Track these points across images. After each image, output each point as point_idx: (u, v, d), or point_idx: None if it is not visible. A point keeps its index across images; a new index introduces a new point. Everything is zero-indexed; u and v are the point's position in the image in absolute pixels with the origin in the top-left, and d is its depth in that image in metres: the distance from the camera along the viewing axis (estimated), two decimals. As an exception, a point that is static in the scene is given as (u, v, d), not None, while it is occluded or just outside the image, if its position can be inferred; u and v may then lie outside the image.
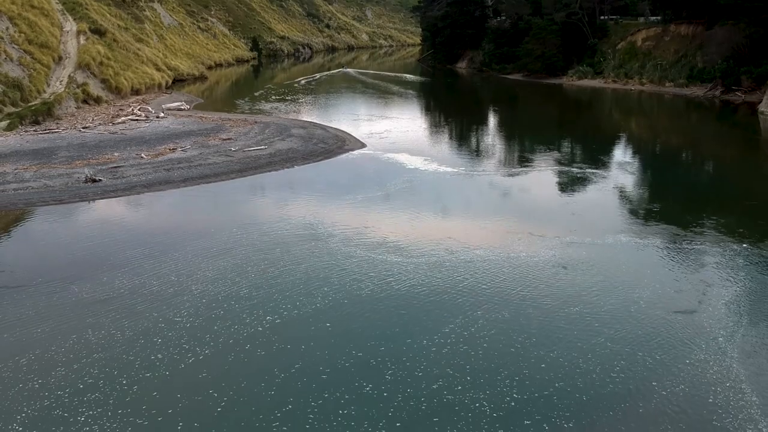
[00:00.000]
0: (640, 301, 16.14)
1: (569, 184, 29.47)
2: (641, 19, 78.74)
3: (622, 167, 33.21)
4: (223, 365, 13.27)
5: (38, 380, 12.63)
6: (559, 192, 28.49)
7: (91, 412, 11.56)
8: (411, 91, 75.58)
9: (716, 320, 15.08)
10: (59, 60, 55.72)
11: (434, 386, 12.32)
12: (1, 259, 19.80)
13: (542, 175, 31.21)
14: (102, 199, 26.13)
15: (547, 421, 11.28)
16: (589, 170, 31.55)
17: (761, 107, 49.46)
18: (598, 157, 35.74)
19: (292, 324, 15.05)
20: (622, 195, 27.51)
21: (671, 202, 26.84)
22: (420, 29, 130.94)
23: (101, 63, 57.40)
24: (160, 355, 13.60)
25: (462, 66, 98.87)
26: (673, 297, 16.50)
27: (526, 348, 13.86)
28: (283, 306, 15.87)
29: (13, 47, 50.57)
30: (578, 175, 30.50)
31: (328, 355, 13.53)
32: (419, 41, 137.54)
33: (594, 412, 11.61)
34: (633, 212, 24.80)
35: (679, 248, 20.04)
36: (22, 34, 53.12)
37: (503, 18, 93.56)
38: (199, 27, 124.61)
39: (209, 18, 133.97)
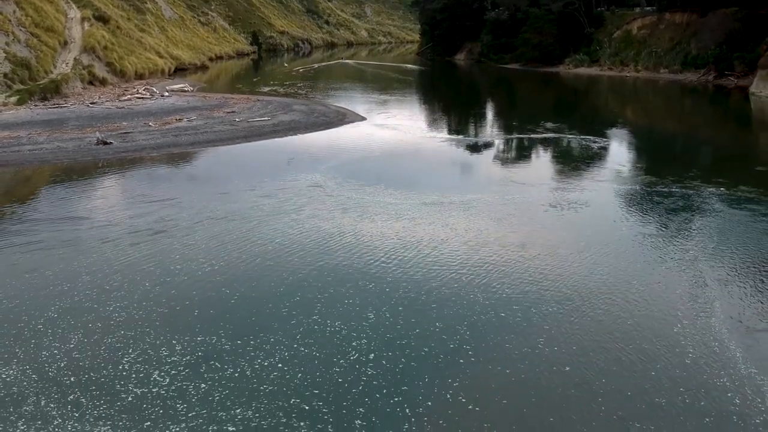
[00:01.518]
0: (622, 225, 17.29)
1: (556, 146, 30.67)
2: (637, 9, 79.78)
3: (613, 134, 34.39)
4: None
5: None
6: (543, 153, 29.76)
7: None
8: (409, 78, 76.82)
9: (688, 239, 16.21)
10: (65, 44, 56.73)
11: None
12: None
13: (523, 140, 32.58)
14: (114, 157, 27.23)
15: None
16: (581, 137, 32.63)
17: (752, 89, 50.57)
18: (590, 127, 36.82)
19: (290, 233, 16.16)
20: (608, 152, 28.68)
21: (652, 159, 28.19)
22: (419, 25, 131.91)
23: (105, 47, 58.45)
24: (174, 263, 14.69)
25: (460, 58, 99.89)
26: (643, 225, 17.62)
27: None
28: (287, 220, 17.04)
29: (21, 29, 51.60)
30: (569, 140, 31.60)
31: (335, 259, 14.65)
32: (418, 38, 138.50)
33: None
34: (619, 166, 25.99)
35: (654, 190, 21.23)
36: (29, 18, 54.14)
37: (501, 9, 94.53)
38: (199, 21, 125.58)
39: (209, 12, 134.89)
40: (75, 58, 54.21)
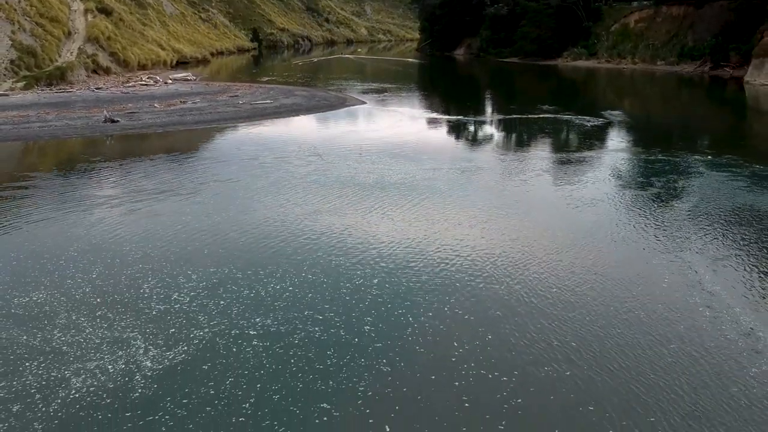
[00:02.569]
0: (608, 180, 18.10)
1: (550, 123, 31.47)
2: (634, 3, 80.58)
3: (608, 115, 35.14)
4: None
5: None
6: (536, 127, 30.56)
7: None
8: (408, 70, 77.60)
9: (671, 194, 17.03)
10: (68, 35, 57.47)
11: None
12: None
13: (518, 119, 33.45)
14: (121, 133, 27.97)
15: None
16: (577, 116, 33.41)
17: (746, 77, 51.40)
18: (586, 109, 37.57)
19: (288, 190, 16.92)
20: (601, 128, 29.45)
21: (643, 132, 29.01)
22: (418, 23, 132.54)
23: (109, 38, 59.22)
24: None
25: (460, 53, 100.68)
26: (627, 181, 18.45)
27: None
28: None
29: (26, 19, 52.35)
30: (564, 119, 32.37)
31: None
32: (418, 36, 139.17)
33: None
34: (610, 139, 26.77)
35: (644, 157, 22.03)
36: (34, 8, 54.87)
37: (500, 5, 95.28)
38: (200, 17, 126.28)
39: (210, 9, 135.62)
40: (79, 48, 54.96)
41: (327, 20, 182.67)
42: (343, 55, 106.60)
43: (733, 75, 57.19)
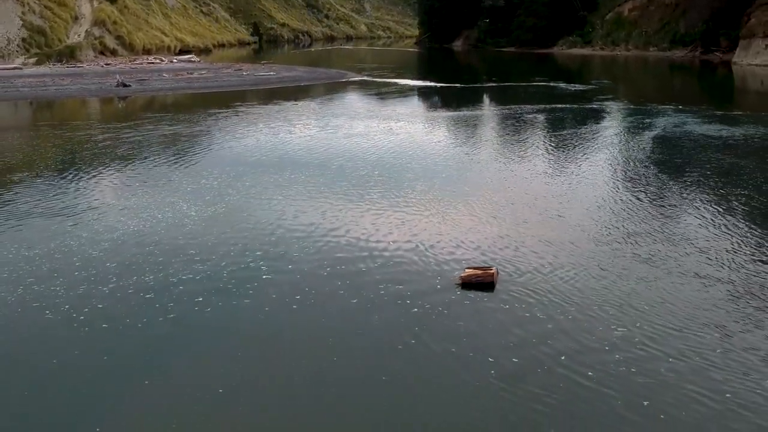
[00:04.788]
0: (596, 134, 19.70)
1: (540, 89, 33.06)
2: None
3: (596, 83, 36.76)
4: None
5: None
6: (523, 92, 32.15)
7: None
8: (406, 58, 79.36)
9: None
10: (75, 19, 58.99)
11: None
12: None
13: (508, 86, 34.95)
14: (133, 95, 29.55)
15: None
16: (567, 85, 34.98)
17: (734, 59, 52.95)
18: (576, 80, 39.19)
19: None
20: (589, 91, 31.07)
21: (627, 87, 30.58)
22: (417, 19, 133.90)
23: (115, 22, 60.76)
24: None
25: (458, 44, 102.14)
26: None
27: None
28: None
29: (35, 1, 53.87)
30: (554, 86, 33.94)
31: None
32: (417, 33, 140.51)
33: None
34: (594, 98, 28.41)
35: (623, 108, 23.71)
36: (41, -8, 56.41)
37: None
38: (201, 11, 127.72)
39: (211, 3, 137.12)
40: (86, 31, 56.49)
41: (327, 16, 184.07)
42: (343, 47, 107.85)
43: (723, 59, 58.64)
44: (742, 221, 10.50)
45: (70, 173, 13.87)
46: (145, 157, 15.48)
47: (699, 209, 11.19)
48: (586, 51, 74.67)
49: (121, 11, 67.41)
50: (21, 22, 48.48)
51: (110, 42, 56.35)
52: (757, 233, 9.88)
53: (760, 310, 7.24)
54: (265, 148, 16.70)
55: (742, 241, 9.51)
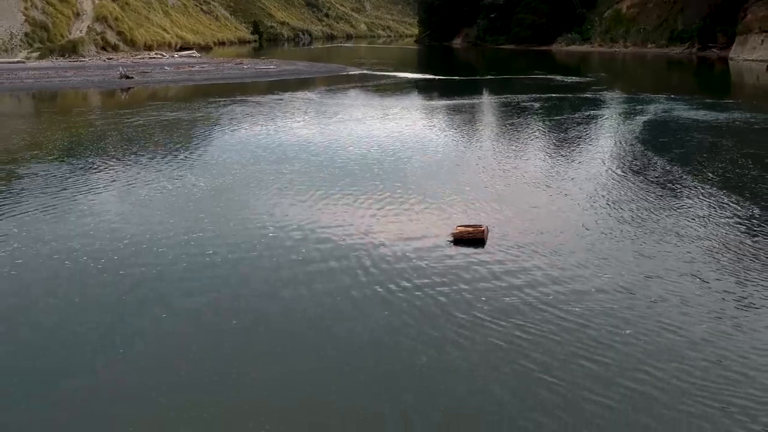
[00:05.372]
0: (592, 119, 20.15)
1: (539, 81, 33.51)
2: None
3: (594, 77, 37.28)
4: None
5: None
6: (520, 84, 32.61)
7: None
8: (405, 55, 79.88)
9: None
10: (77, 15, 59.42)
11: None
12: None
13: (507, 78, 35.46)
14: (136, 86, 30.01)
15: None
16: (564, 77, 35.44)
17: (731, 54, 53.42)
18: (575, 73, 39.64)
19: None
20: (587, 83, 31.55)
21: (620, 79, 31.08)
22: (417, 18, 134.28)
23: (116, 18, 61.18)
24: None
25: (457, 42, 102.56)
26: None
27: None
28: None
29: (37, -2, 54.35)
30: (554, 78, 34.42)
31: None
32: (417, 31, 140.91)
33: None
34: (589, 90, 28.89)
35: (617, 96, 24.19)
36: (44, -12, 56.87)
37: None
38: (201, 9, 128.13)
39: (211, 1, 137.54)
40: (88, 26, 56.87)
41: (327, 15, 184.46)
42: (343, 45, 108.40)
43: (720, 55, 59.01)
44: (716, 188, 11.11)
45: (77, 153, 14.37)
46: (147, 138, 15.97)
47: (678, 179, 11.85)
48: (584, 48, 75.13)
49: (122, 8, 67.84)
50: (24, 18, 48.90)
51: (112, 38, 56.76)
52: (728, 198, 10.49)
53: (733, 261, 7.72)
54: (269, 131, 17.18)
55: (714, 204, 10.15)
